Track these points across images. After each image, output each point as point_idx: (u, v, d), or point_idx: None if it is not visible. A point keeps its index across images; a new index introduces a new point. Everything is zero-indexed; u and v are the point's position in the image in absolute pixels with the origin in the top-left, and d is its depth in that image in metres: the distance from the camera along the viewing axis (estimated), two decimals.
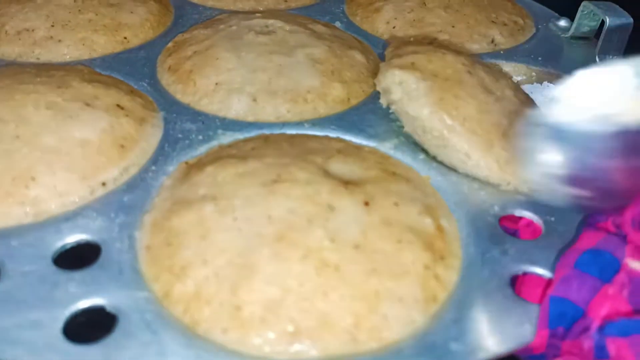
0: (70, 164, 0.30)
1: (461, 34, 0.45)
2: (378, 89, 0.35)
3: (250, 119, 0.36)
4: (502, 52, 0.45)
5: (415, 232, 0.27)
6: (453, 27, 0.45)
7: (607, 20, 0.42)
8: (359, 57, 0.41)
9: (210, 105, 0.37)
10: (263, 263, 0.25)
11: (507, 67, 0.43)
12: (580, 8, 0.46)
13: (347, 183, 0.29)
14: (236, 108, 0.37)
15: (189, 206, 0.28)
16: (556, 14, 0.50)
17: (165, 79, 0.39)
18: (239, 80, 0.37)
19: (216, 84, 0.37)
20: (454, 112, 0.32)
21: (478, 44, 0.45)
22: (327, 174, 0.29)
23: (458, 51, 0.36)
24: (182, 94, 0.38)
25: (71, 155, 0.30)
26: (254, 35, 0.40)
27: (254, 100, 0.37)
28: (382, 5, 0.47)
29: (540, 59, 0.44)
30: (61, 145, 0.31)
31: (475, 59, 0.36)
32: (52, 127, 0.31)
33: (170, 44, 0.42)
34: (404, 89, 0.33)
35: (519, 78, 0.43)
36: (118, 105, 0.34)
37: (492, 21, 0.46)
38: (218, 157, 0.31)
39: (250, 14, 0.44)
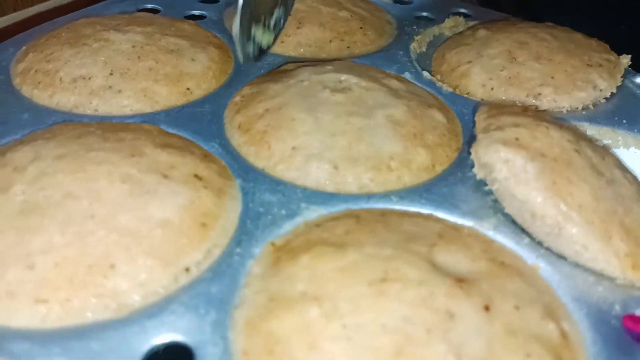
0: (151, 249, 0.27)
1: (564, 84, 0.42)
2: (475, 162, 0.32)
3: (330, 188, 0.34)
4: (584, 112, 0.42)
5: (541, 341, 0.25)
6: (552, 77, 0.42)
7: None
8: (438, 116, 0.39)
9: (287, 171, 0.34)
10: None
11: (591, 130, 0.41)
12: None
13: (461, 281, 0.26)
14: (316, 176, 0.34)
15: (289, 306, 0.25)
16: (631, 70, 0.48)
17: (236, 139, 0.36)
18: (317, 146, 0.35)
19: (293, 148, 0.35)
20: (569, 199, 0.29)
21: (585, 92, 0.42)
22: (436, 269, 0.27)
23: (559, 123, 0.34)
24: (255, 157, 0.35)
25: (151, 238, 0.28)
26: (329, 93, 0.38)
27: (335, 167, 0.34)
28: (468, 68, 0.44)
29: (624, 121, 0.42)
30: (140, 226, 0.28)
31: (578, 132, 0.34)
32: (129, 206, 0.28)
33: (237, 98, 0.40)
34: (510, 168, 0.30)
35: (604, 142, 0.41)
36: (196, 176, 0.31)
37: (588, 64, 0.43)
38: (310, 242, 0.28)
39: (317, 64, 0.42)
